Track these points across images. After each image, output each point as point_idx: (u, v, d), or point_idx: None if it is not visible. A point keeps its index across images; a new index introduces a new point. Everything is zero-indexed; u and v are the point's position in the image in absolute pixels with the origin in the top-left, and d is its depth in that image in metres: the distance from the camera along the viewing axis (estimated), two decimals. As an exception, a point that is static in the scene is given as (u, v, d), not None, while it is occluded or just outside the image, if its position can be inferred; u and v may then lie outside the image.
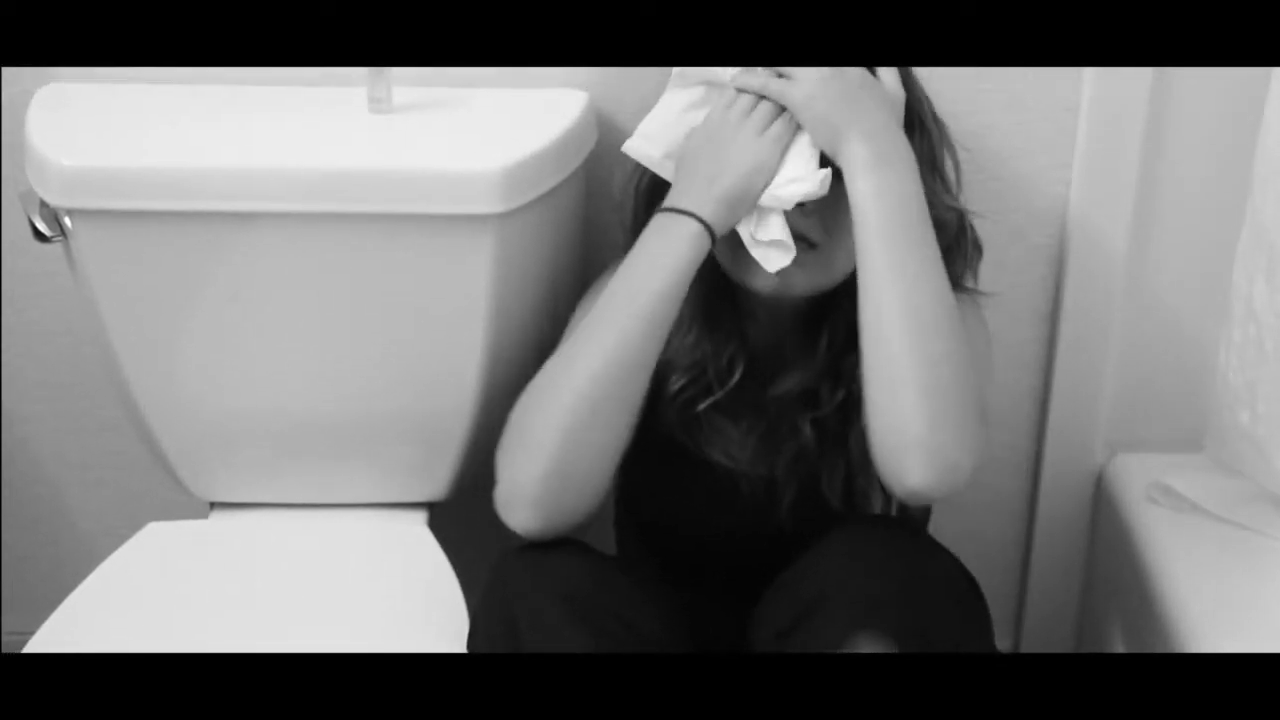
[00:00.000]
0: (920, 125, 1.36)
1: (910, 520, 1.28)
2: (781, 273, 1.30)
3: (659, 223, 1.29)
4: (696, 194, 1.29)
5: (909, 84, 1.36)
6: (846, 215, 1.27)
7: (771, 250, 1.29)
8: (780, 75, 1.30)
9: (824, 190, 1.28)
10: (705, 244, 1.28)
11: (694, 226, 1.28)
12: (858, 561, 1.24)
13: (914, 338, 1.23)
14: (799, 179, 1.29)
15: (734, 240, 1.32)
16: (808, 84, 1.28)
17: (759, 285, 1.33)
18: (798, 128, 1.30)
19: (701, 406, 1.38)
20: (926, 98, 1.38)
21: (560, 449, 1.26)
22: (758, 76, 1.31)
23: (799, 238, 1.31)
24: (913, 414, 1.22)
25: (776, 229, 1.29)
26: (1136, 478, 1.70)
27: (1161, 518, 1.65)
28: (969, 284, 1.44)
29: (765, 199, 1.29)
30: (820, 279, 1.32)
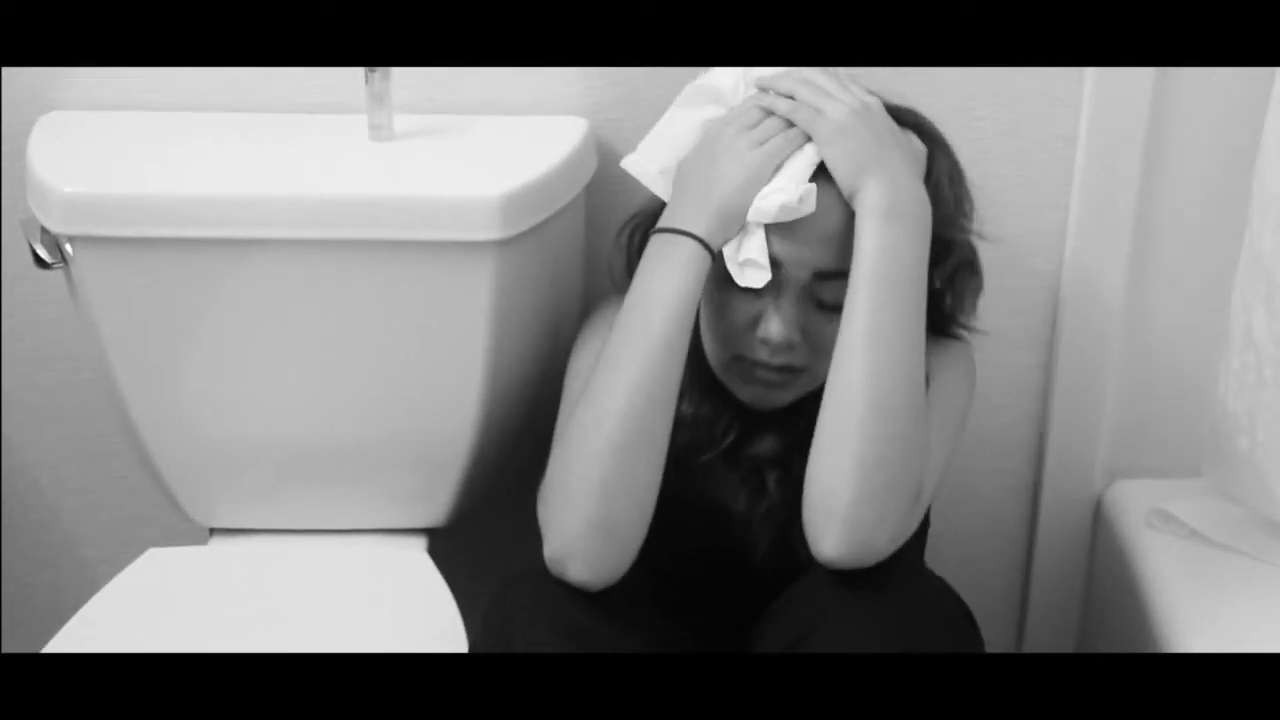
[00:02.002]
0: (947, 183, 1.36)
1: (901, 548, 1.29)
2: (769, 390, 1.34)
3: (656, 246, 1.30)
4: (690, 210, 1.29)
5: (940, 147, 1.36)
6: (832, 335, 1.27)
7: (747, 269, 1.29)
8: (806, 105, 1.30)
9: (805, 207, 1.27)
10: (704, 260, 1.28)
11: (690, 245, 1.28)
12: (849, 589, 1.25)
13: (870, 413, 1.24)
14: (781, 189, 1.28)
15: (724, 357, 1.35)
16: (838, 117, 1.28)
17: (745, 398, 1.37)
18: (797, 149, 1.30)
19: (702, 459, 1.39)
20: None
21: (601, 499, 1.26)
22: (784, 102, 1.31)
23: (786, 369, 1.33)
24: (845, 485, 1.24)
25: (753, 248, 1.28)
26: (1135, 504, 1.71)
27: (1161, 544, 1.65)
28: (967, 322, 1.44)
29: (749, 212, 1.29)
30: (806, 388, 1.34)
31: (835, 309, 1.28)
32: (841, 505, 1.23)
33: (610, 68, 1.55)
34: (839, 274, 1.28)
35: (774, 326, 1.31)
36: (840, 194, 1.28)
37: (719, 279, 1.31)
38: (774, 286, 1.30)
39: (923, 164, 1.32)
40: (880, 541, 1.24)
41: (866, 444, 1.24)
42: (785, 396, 1.36)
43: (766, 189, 1.28)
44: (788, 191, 1.27)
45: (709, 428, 1.39)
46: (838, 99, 1.30)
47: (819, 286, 1.30)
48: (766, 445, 1.38)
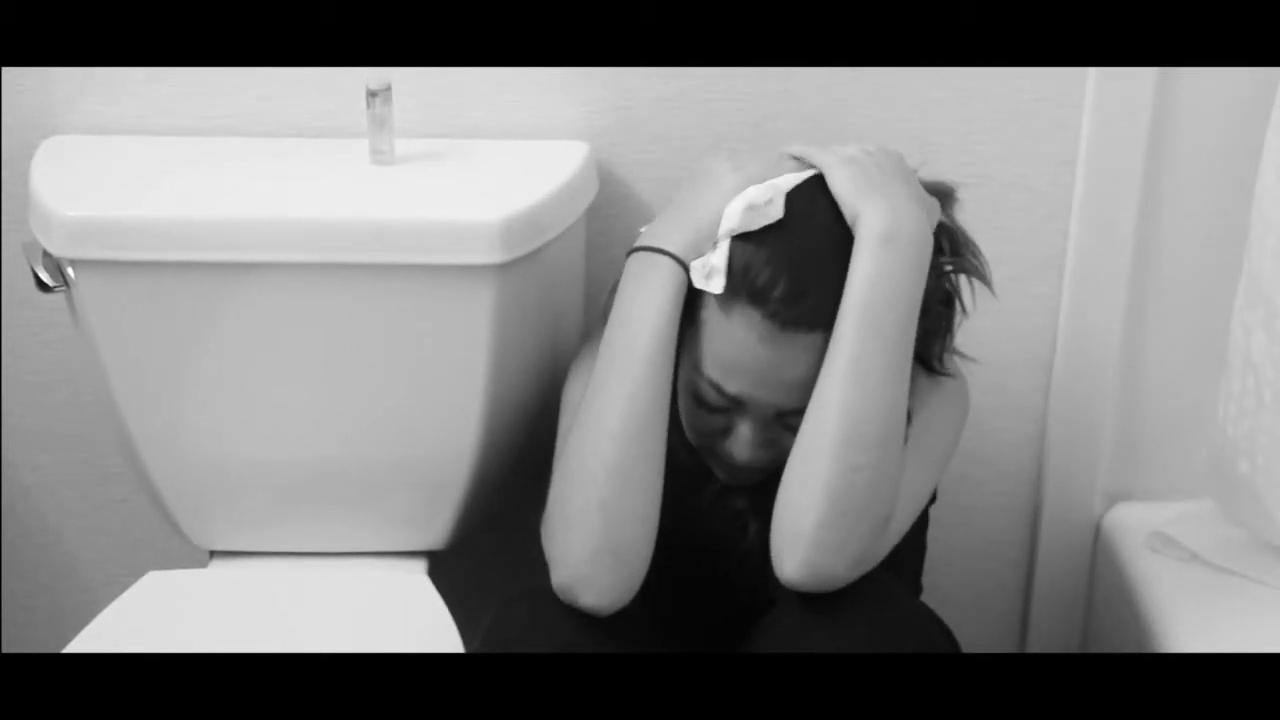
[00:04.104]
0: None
1: (878, 572, 1.29)
2: (737, 472, 1.35)
3: (630, 267, 1.30)
4: (665, 229, 1.30)
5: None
6: (792, 437, 1.28)
7: (711, 278, 1.29)
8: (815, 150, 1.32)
9: (773, 211, 1.27)
10: (679, 276, 1.28)
11: (664, 262, 1.28)
12: (826, 615, 1.26)
13: (843, 441, 1.24)
14: (749, 193, 1.28)
15: (698, 445, 1.36)
16: (846, 151, 1.30)
17: (717, 473, 1.37)
18: (782, 174, 1.30)
19: (692, 500, 1.39)
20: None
21: (603, 523, 1.26)
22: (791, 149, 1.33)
23: (750, 468, 1.34)
24: (810, 510, 1.24)
25: (717, 257, 1.28)
26: (1135, 527, 1.71)
27: (1161, 567, 1.65)
28: (957, 353, 1.42)
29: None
30: (777, 466, 1.34)
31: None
32: (806, 529, 1.24)
33: (610, 92, 1.56)
34: (805, 409, 1.28)
35: (739, 449, 1.33)
36: (809, 345, 1.27)
37: (692, 392, 1.32)
38: (740, 414, 1.31)
39: (935, 214, 1.32)
40: (840, 567, 1.25)
41: (836, 470, 1.24)
42: (755, 477, 1.36)
43: (737, 197, 1.29)
44: (754, 193, 1.27)
45: (697, 477, 1.39)
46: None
47: (786, 417, 1.31)
48: (744, 502, 1.39)
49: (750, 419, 1.31)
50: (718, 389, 1.30)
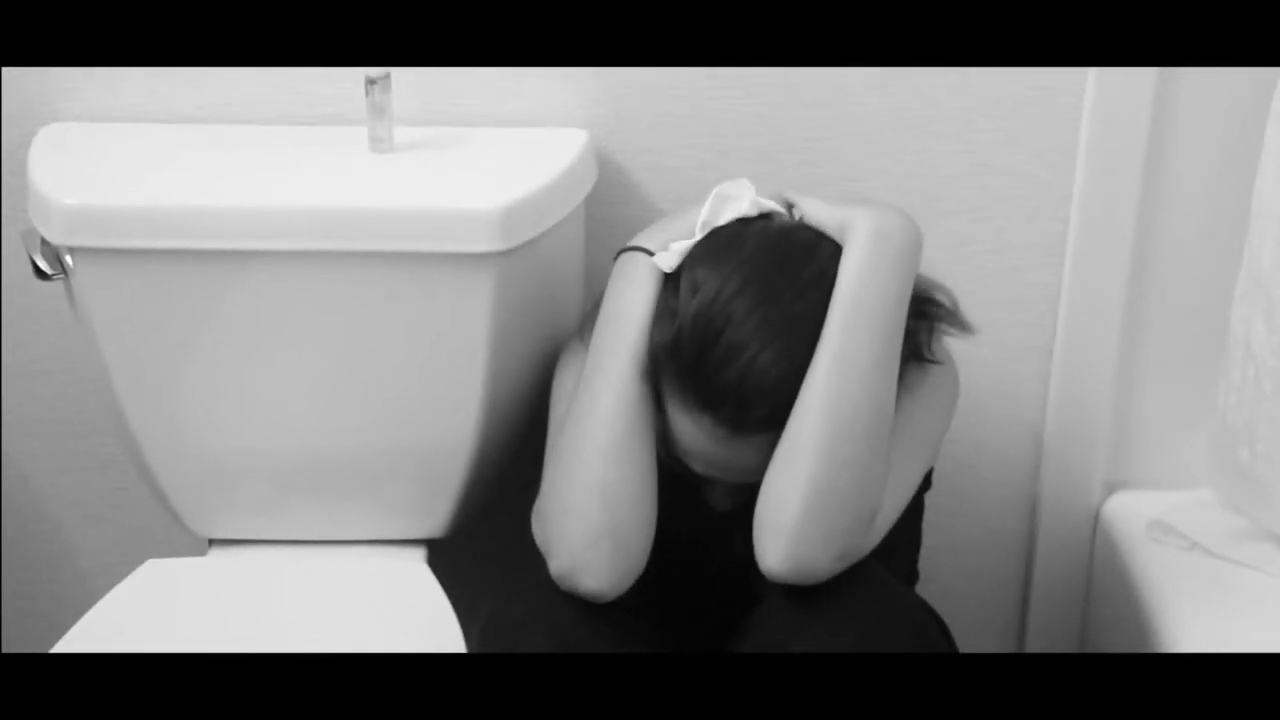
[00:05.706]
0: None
1: (869, 563, 1.29)
2: (712, 496, 1.37)
3: (618, 267, 1.34)
4: (652, 232, 1.35)
5: None
6: (756, 488, 1.29)
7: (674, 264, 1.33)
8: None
9: (743, 204, 1.31)
10: (660, 271, 1.32)
11: (645, 259, 1.32)
12: (815, 608, 1.26)
13: (827, 435, 1.25)
14: (721, 185, 1.32)
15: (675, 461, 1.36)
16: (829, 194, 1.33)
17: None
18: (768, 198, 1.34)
19: (678, 494, 1.39)
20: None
21: (601, 506, 1.28)
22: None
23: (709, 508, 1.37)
24: (793, 502, 1.25)
25: (681, 244, 1.32)
26: (1135, 516, 1.70)
27: (1161, 556, 1.65)
28: (947, 333, 1.41)
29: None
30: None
31: None
32: (789, 522, 1.25)
33: (610, 80, 1.56)
34: None
35: (714, 500, 1.37)
36: (763, 442, 1.27)
37: (666, 447, 1.33)
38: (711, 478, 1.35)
39: (920, 247, 1.31)
40: (824, 561, 1.26)
41: (820, 465, 1.25)
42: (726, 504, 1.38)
43: None
44: (726, 185, 1.32)
45: (682, 475, 1.40)
46: None
47: (755, 487, 1.31)
48: (719, 518, 1.40)
49: (721, 483, 1.35)
50: (684, 464, 1.33)
